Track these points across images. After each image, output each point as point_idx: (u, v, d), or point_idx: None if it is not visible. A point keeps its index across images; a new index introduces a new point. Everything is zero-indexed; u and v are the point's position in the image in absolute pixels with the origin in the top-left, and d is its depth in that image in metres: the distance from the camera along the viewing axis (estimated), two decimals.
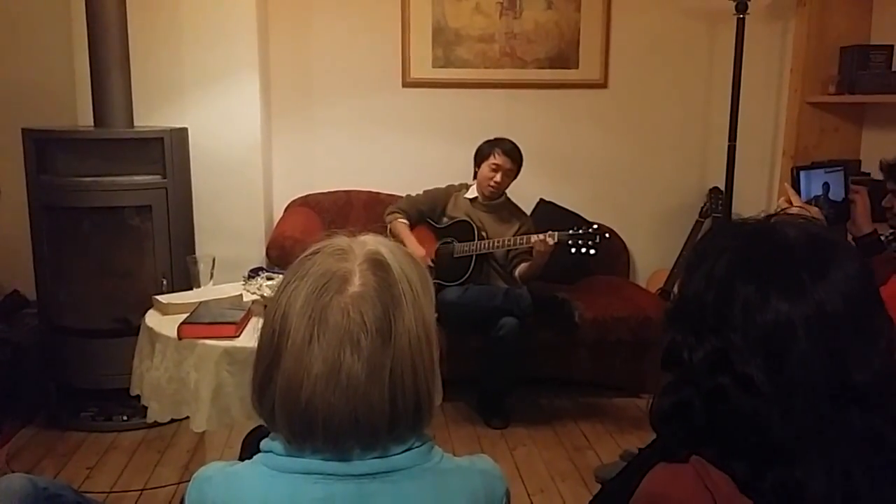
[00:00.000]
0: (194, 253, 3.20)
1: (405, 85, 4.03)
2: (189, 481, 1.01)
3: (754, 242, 0.96)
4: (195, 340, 2.12)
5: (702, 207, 4.07)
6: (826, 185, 2.18)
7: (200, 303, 2.35)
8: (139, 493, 2.69)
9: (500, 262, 3.46)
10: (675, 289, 1.03)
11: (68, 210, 3.12)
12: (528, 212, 3.78)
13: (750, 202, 3.88)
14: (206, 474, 1.00)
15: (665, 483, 0.92)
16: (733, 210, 3.81)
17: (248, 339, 2.15)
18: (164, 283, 3.07)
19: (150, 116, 3.45)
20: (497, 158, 3.37)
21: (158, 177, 3.13)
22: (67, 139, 3.14)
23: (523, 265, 3.37)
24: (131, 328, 2.55)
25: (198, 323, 2.18)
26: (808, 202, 2.08)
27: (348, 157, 4.06)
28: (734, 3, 3.59)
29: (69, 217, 3.16)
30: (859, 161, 3.51)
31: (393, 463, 0.94)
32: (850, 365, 0.88)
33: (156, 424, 2.58)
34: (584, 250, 3.13)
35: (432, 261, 3.42)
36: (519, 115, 4.04)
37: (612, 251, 3.95)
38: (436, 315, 1.02)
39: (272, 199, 3.95)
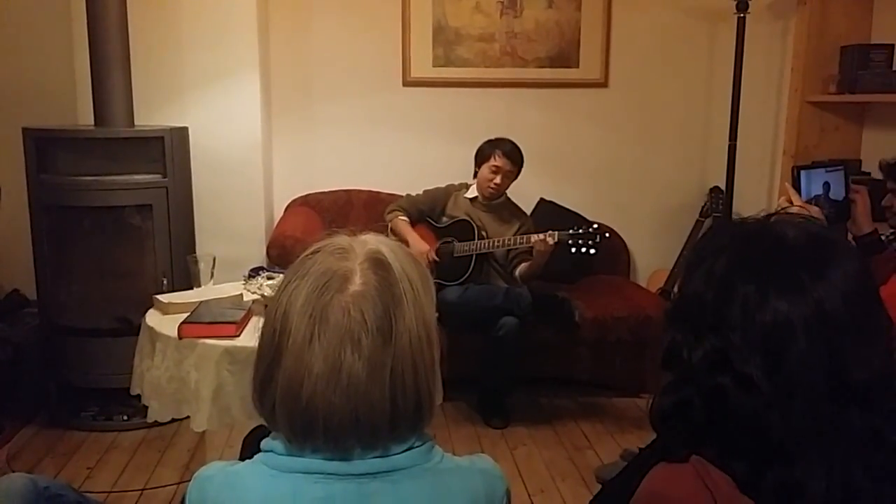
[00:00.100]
0: (195, 252, 3.20)
1: (405, 84, 4.03)
2: (189, 481, 1.01)
3: (754, 242, 0.96)
4: (196, 340, 2.12)
5: (702, 207, 4.07)
6: (826, 185, 2.18)
7: (201, 302, 2.35)
8: (140, 492, 2.69)
9: (501, 261, 3.46)
10: (675, 288, 1.03)
11: (69, 209, 3.12)
12: (529, 211, 3.78)
13: (750, 201, 3.88)
14: (207, 474, 1.00)
15: (665, 483, 0.92)
16: (734, 209, 3.80)
17: (249, 338, 2.15)
18: (165, 282, 3.07)
19: (150, 116, 3.45)
20: (497, 160, 3.37)
21: (159, 176, 3.13)
22: (68, 138, 3.14)
23: (523, 265, 3.37)
24: (132, 327, 2.55)
25: (198, 322, 2.18)
26: (809, 201, 2.08)
27: (349, 157, 4.06)
28: (735, 3, 3.59)
29: (69, 216, 3.16)
30: (860, 160, 3.50)
31: (393, 462, 0.94)
32: (850, 364, 0.88)
33: (156, 424, 2.58)
34: (584, 250, 3.13)
35: (437, 252, 3.41)
36: (519, 114, 4.04)
37: (612, 251, 3.95)
38: (436, 314, 1.02)
39: (272, 199, 3.95)
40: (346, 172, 4.03)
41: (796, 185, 2.10)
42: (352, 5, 3.95)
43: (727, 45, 3.74)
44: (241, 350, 2.08)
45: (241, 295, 2.48)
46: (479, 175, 3.46)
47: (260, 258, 3.58)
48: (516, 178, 3.45)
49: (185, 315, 2.24)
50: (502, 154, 3.37)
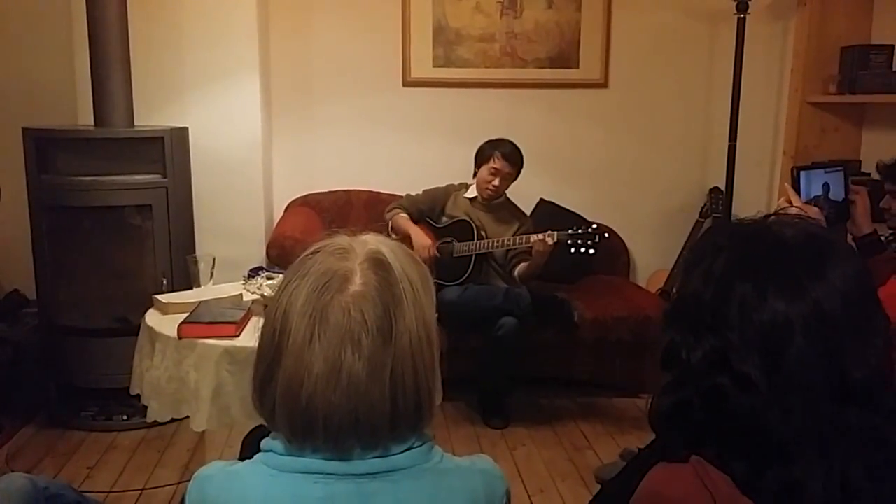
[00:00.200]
0: (194, 252, 3.20)
1: (406, 84, 4.03)
2: (189, 481, 1.01)
3: (752, 242, 0.96)
4: (195, 340, 2.12)
5: (702, 207, 4.07)
6: (826, 186, 2.18)
7: (200, 302, 2.35)
8: (139, 492, 2.69)
9: (500, 261, 3.46)
10: (674, 289, 1.03)
11: (69, 209, 3.12)
12: (529, 211, 3.78)
13: (750, 202, 3.88)
14: (207, 474, 1.00)
15: (665, 483, 0.93)
16: (733, 210, 3.81)
17: (249, 338, 2.15)
18: (165, 282, 3.07)
19: (150, 116, 3.45)
20: (496, 163, 3.37)
21: (159, 176, 3.13)
22: (68, 138, 3.14)
23: (522, 265, 3.37)
24: (131, 327, 2.55)
25: (198, 322, 2.18)
26: (808, 202, 2.08)
27: (348, 157, 4.06)
28: (735, 3, 3.59)
29: (69, 216, 3.16)
30: (859, 161, 3.50)
31: (393, 462, 0.94)
32: (848, 364, 0.88)
33: (156, 424, 2.58)
34: (583, 250, 3.13)
35: (437, 250, 3.41)
36: (519, 114, 4.04)
37: (612, 251, 3.95)
38: (436, 315, 1.02)
39: (272, 199, 3.95)
40: (346, 173, 4.03)
41: (796, 186, 2.10)
42: (352, 5, 3.95)
43: (727, 46, 3.75)
44: (241, 350, 2.08)
45: (241, 295, 2.48)
46: (478, 176, 3.46)
47: (260, 258, 3.58)
48: (515, 179, 3.45)
49: (185, 315, 2.24)
50: (502, 156, 3.37)
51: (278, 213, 3.95)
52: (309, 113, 4.01)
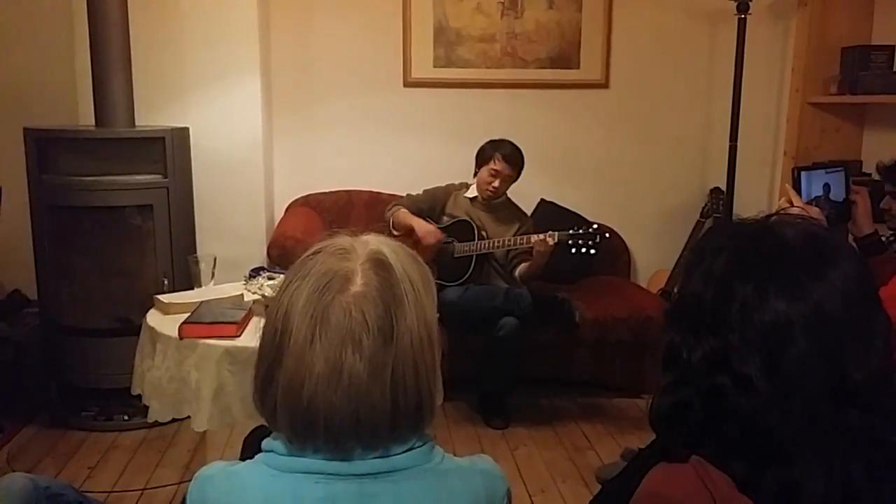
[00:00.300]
0: (195, 252, 3.20)
1: (406, 85, 4.03)
2: (190, 481, 1.01)
3: (753, 242, 0.96)
4: (196, 340, 2.13)
5: (703, 208, 4.07)
6: (827, 186, 2.18)
7: (201, 302, 2.35)
8: (140, 492, 2.70)
9: (501, 261, 3.46)
10: (675, 289, 1.03)
11: (70, 209, 3.12)
12: (529, 212, 3.78)
13: (751, 202, 3.88)
14: (208, 474, 1.00)
15: (665, 483, 0.93)
16: (734, 210, 3.81)
17: (249, 338, 2.15)
18: (166, 282, 3.07)
19: (151, 116, 3.45)
20: (496, 164, 3.37)
21: (160, 176, 3.13)
22: (69, 139, 3.15)
23: (523, 265, 3.37)
24: (132, 328, 2.55)
25: (199, 322, 2.18)
26: (809, 202, 2.08)
27: (349, 157, 4.06)
28: (735, 3, 3.60)
29: (70, 216, 3.16)
30: (860, 161, 3.51)
31: (394, 463, 0.94)
32: (848, 364, 0.88)
33: (157, 424, 2.58)
34: (584, 250, 3.13)
35: (437, 252, 3.41)
36: (520, 115, 4.04)
37: (612, 251, 3.95)
38: (437, 315, 1.02)
39: (273, 199, 3.95)
40: (346, 173, 4.03)
41: (797, 187, 2.10)
42: (352, 6, 3.95)
43: (728, 46, 3.75)
44: (242, 350, 2.08)
45: (242, 295, 2.48)
46: (478, 177, 3.46)
47: (260, 258, 3.59)
48: (515, 181, 3.45)
49: (186, 315, 2.24)
50: (502, 158, 3.36)
51: (279, 214, 3.95)
52: (310, 113, 4.01)
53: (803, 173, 2.14)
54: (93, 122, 3.18)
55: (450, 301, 3.18)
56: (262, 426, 1.79)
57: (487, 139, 3.47)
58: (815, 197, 2.15)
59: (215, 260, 2.60)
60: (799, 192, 2.09)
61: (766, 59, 3.86)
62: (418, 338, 0.94)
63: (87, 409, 3.17)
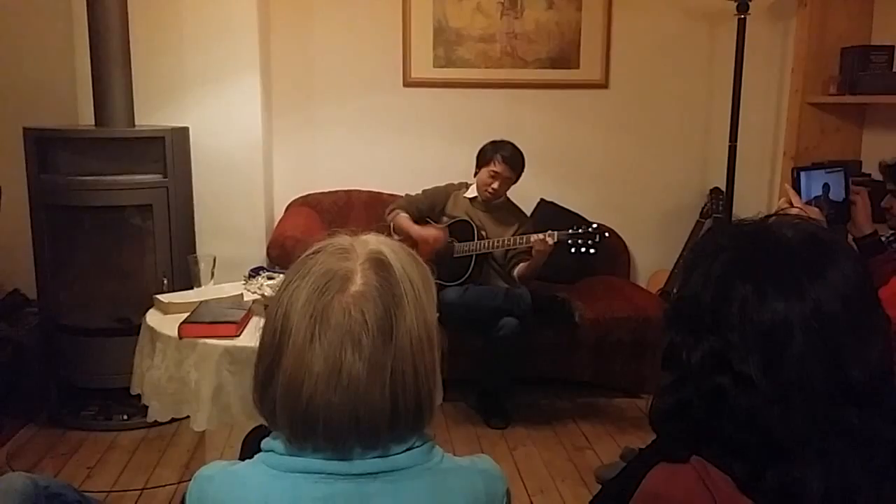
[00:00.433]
0: (195, 252, 3.20)
1: (406, 85, 4.03)
2: (189, 481, 1.01)
3: (751, 242, 0.96)
4: (196, 340, 2.13)
5: (702, 208, 4.07)
6: (826, 186, 2.18)
7: (201, 302, 2.35)
8: (139, 492, 2.70)
9: (500, 261, 3.46)
10: (674, 290, 1.03)
11: (69, 209, 3.12)
12: (529, 212, 3.78)
13: (751, 203, 3.88)
14: (207, 474, 1.00)
15: (665, 483, 0.93)
16: (734, 210, 3.81)
17: (249, 338, 2.15)
18: (165, 282, 3.07)
19: (151, 116, 3.45)
20: (497, 166, 3.37)
21: (159, 176, 3.13)
22: (68, 138, 3.14)
23: (522, 265, 3.37)
24: (132, 327, 2.55)
25: (198, 322, 2.18)
26: (809, 203, 2.08)
27: (349, 157, 4.06)
28: (735, 4, 3.59)
29: (70, 216, 3.16)
30: (860, 162, 3.50)
31: (394, 462, 0.94)
32: (848, 363, 0.88)
33: (156, 424, 2.58)
34: (583, 250, 3.13)
35: (437, 253, 3.41)
36: (520, 115, 4.04)
37: (612, 251, 3.95)
38: (437, 315, 1.02)
39: (273, 199, 3.95)
40: (346, 173, 4.03)
41: (796, 187, 2.10)
42: (352, 5, 3.95)
43: (727, 47, 3.75)
44: (242, 350, 2.08)
45: (242, 295, 2.49)
46: (478, 177, 3.46)
47: (260, 258, 3.59)
48: (515, 183, 3.45)
49: (186, 315, 2.24)
50: (502, 160, 3.36)
51: (279, 213, 3.95)
52: (309, 113, 4.01)
53: (803, 173, 2.14)
54: (92, 121, 3.18)
55: (449, 301, 3.17)
56: (261, 426, 1.79)
57: (487, 139, 3.47)
58: (815, 197, 2.15)
59: (215, 260, 2.60)
60: (798, 192, 2.09)
61: (765, 59, 3.85)
62: (418, 338, 0.94)
63: (86, 409, 3.17)
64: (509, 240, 3.32)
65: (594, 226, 3.16)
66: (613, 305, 3.50)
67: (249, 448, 2.20)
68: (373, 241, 1.00)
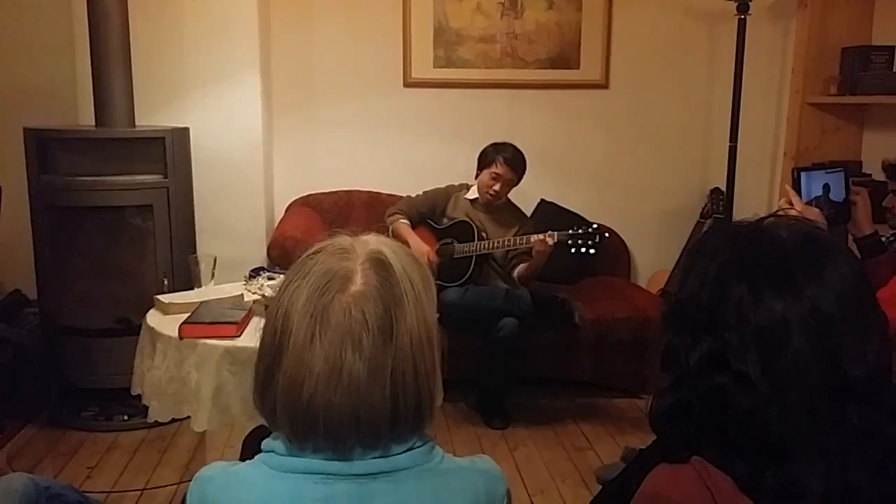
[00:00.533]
0: (195, 253, 3.20)
1: (406, 85, 4.03)
2: (190, 481, 1.01)
3: (748, 243, 0.97)
4: (196, 340, 2.12)
5: (703, 208, 4.07)
6: (826, 186, 2.18)
7: (201, 302, 2.35)
8: (140, 492, 2.70)
9: (500, 262, 3.46)
10: (672, 290, 1.03)
11: (70, 209, 3.12)
12: (529, 212, 3.78)
13: (751, 203, 3.88)
14: (208, 474, 1.00)
15: (665, 483, 0.93)
16: (734, 211, 3.81)
17: (249, 338, 2.15)
18: (166, 282, 3.07)
19: (151, 116, 3.45)
20: (498, 168, 3.37)
21: (160, 176, 3.13)
22: (69, 139, 3.15)
23: (522, 266, 3.37)
24: (132, 328, 2.55)
25: (199, 323, 2.18)
26: (809, 203, 2.08)
27: (349, 158, 4.06)
28: (735, 4, 3.60)
29: (70, 216, 3.16)
30: (860, 162, 3.51)
31: (394, 463, 0.94)
32: (846, 362, 0.88)
33: (157, 424, 2.58)
34: (583, 250, 3.13)
35: (437, 253, 3.41)
36: (520, 115, 4.04)
37: (612, 252, 3.95)
38: (437, 315, 1.02)
39: (273, 199, 3.95)
40: (346, 173, 4.03)
41: (796, 187, 2.10)
42: (353, 6, 3.95)
43: (728, 47, 3.75)
44: (242, 350, 2.08)
45: (242, 295, 2.48)
46: (479, 179, 3.46)
47: (260, 259, 3.59)
48: (516, 185, 3.45)
49: (186, 315, 2.24)
50: (504, 162, 3.36)
51: (279, 214, 3.95)
52: (310, 113, 4.01)
53: (803, 174, 2.13)
54: (93, 122, 3.18)
55: (450, 301, 3.18)
56: (261, 426, 1.79)
57: (487, 139, 3.48)
58: (815, 197, 2.14)
59: (215, 260, 2.60)
60: (799, 192, 2.09)
61: (765, 59, 3.86)
62: (418, 338, 0.94)
63: (86, 409, 3.17)
64: (509, 240, 3.32)
65: (594, 226, 3.16)
66: (614, 306, 3.49)
67: (250, 448, 2.21)
68: (373, 241, 1.00)
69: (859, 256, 2.11)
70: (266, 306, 2.27)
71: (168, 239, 3.15)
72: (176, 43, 3.49)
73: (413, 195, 3.62)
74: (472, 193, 3.51)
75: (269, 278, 2.49)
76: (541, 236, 3.18)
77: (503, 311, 3.19)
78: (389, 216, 3.55)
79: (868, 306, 0.93)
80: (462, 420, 3.33)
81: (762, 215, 1.01)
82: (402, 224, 3.49)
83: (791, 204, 2.02)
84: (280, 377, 0.93)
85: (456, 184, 3.62)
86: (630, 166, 4.17)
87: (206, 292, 2.50)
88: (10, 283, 3.59)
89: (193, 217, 3.34)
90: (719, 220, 3.90)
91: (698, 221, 4.06)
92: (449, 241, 3.45)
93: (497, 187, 3.39)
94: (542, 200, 4.06)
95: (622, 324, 3.42)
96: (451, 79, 4.02)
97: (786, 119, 3.67)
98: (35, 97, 3.55)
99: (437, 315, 1.03)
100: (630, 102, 4.12)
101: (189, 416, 2.14)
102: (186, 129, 3.31)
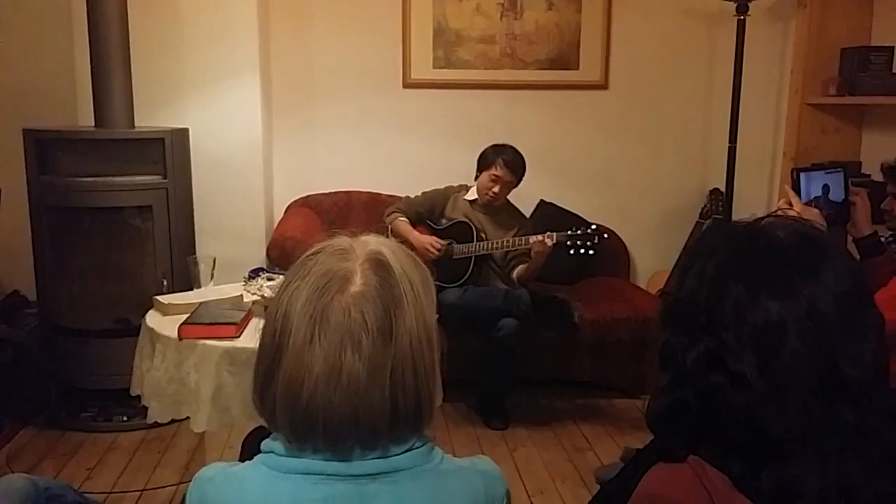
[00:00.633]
0: (195, 253, 3.20)
1: (406, 86, 4.03)
2: (189, 482, 1.01)
3: (745, 243, 0.97)
4: (195, 341, 2.13)
5: (702, 209, 4.07)
6: (826, 187, 2.18)
7: (201, 303, 2.35)
8: (139, 493, 2.70)
9: (499, 263, 3.46)
10: (669, 290, 1.03)
11: (69, 210, 3.13)
12: (529, 213, 3.78)
13: (750, 203, 3.88)
14: (207, 475, 1.00)
15: (663, 483, 0.93)
16: (733, 211, 3.81)
17: (249, 339, 2.15)
18: (165, 283, 3.07)
19: (150, 117, 3.45)
20: (497, 170, 3.37)
21: (159, 177, 3.13)
22: (68, 139, 3.15)
23: (521, 266, 3.38)
24: (132, 328, 2.55)
25: (198, 323, 2.18)
26: (808, 203, 2.08)
27: (349, 158, 4.06)
28: (735, 5, 3.60)
29: (70, 217, 3.16)
30: (859, 163, 3.50)
31: (393, 463, 0.94)
32: (842, 362, 0.88)
33: (156, 425, 2.58)
34: (583, 251, 3.13)
35: (437, 250, 3.40)
36: (519, 116, 4.04)
37: (612, 252, 3.95)
38: (437, 316, 1.02)
39: (272, 200, 3.95)
40: (346, 174, 4.03)
41: (796, 188, 2.10)
42: (352, 7, 3.95)
43: (727, 48, 3.75)
44: (241, 351, 2.08)
45: (241, 296, 2.49)
46: (479, 181, 3.46)
47: (260, 259, 3.59)
48: (515, 187, 3.45)
49: (186, 316, 2.24)
50: (503, 164, 3.36)
51: (278, 214, 3.95)
52: (309, 114, 4.01)
53: (802, 174, 2.14)
54: (92, 122, 3.18)
55: (449, 302, 3.18)
56: (261, 427, 1.79)
57: (487, 140, 3.48)
58: (815, 198, 2.15)
59: (214, 261, 2.60)
60: (798, 193, 2.09)
61: (765, 60, 3.86)
62: (417, 338, 0.95)
63: (86, 410, 3.17)
64: (508, 241, 3.32)
65: (593, 227, 3.16)
66: (613, 306, 3.50)
67: (249, 449, 2.20)
68: (372, 242, 1.00)
69: (859, 257, 2.11)
70: (265, 307, 2.27)
71: (167, 240, 3.15)
72: (175, 43, 3.50)
73: (412, 196, 3.62)
74: (472, 194, 3.51)
75: (269, 279, 2.49)
76: (540, 237, 3.18)
77: (503, 311, 3.19)
78: (388, 215, 3.55)
79: (865, 307, 0.93)
80: (461, 420, 3.33)
81: (760, 215, 1.01)
82: (402, 222, 3.49)
83: (790, 204, 2.02)
84: (279, 378, 0.93)
85: (455, 185, 3.62)
86: (629, 167, 4.17)
87: (206, 293, 2.50)
88: (9, 283, 3.59)
89: (193, 218, 3.34)
90: (718, 220, 3.90)
91: (697, 222, 4.06)
92: (448, 241, 3.45)
93: (496, 189, 3.39)
94: (542, 201, 4.06)
95: (622, 324, 3.42)
96: (451, 79, 4.02)
97: (785, 120, 3.67)
98: (34, 98, 3.55)
99: (437, 316, 1.03)
100: (629, 103, 4.12)
101: (188, 417, 2.14)
102: (186, 130, 3.31)
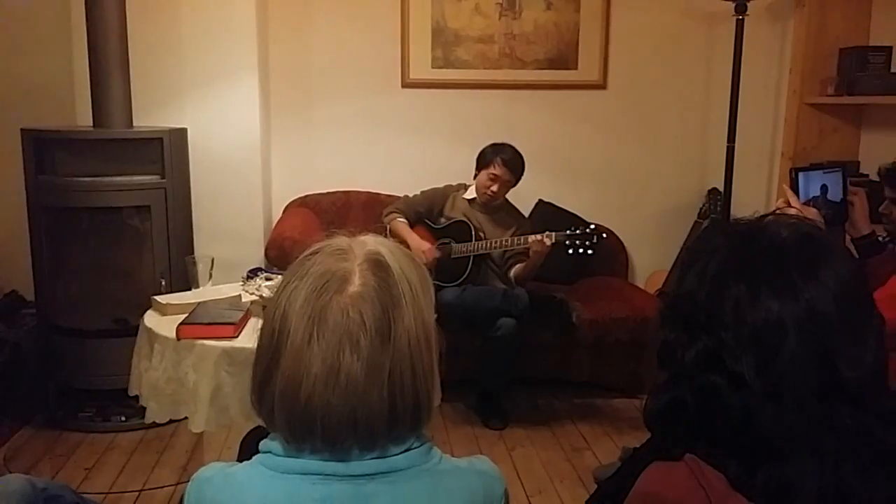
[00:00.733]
0: (193, 253, 3.20)
1: (404, 85, 4.03)
2: (187, 482, 1.01)
3: (746, 242, 0.96)
4: (194, 341, 2.12)
5: (701, 208, 4.07)
6: (824, 187, 2.18)
7: (199, 303, 2.35)
8: (137, 493, 2.69)
9: (497, 262, 3.46)
10: (669, 288, 1.03)
11: (67, 210, 3.12)
12: (527, 212, 3.78)
13: (749, 203, 3.88)
14: (206, 475, 1.00)
15: (659, 482, 0.93)
16: (732, 211, 3.81)
17: (247, 339, 2.15)
18: (163, 283, 3.07)
19: (149, 117, 3.45)
20: (496, 169, 3.37)
21: (157, 177, 3.13)
22: (66, 139, 3.14)
23: (518, 266, 3.38)
24: (130, 328, 2.55)
25: (196, 323, 2.18)
26: (807, 203, 2.08)
27: (347, 158, 4.06)
28: (733, 4, 3.60)
29: (68, 217, 3.16)
30: (858, 162, 3.51)
31: (392, 463, 0.94)
32: (840, 363, 0.88)
33: (154, 425, 2.58)
34: (581, 251, 3.13)
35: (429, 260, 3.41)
36: (518, 115, 4.04)
37: (610, 252, 3.95)
38: (435, 315, 1.02)
39: (271, 200, 3.95)
40: (344, 173, 4.03)
41: (794, 187, 2.10)
42: (351, 6, 3.95)
43: (726, 47, 3.75)
44: (240, 351, 2.08)
45: (240, 296, 2.48)
46: (477, 179, 3.46)
47: (258, 259, 3.59)
48: (514, 186, 3.45)
49: (184, 316, 2.24)
50: (502, 163, 3.36)
51: (277, 214, 3.95)
52: (308, 114, 4.01)
53: (801, 174, 2.14)
54: (90, 122, 3.17)
55: (447, 302, 3.18)
56: (259, 427, 1.79)
57: (485, 140, 3.47)
58: (813, 197, 2.15)
59: (213, 261, 2.60)
60: (796, 192, 2.09)
61: (763, 60, 3.86)
62: (416, 338, 0.94)
63: (84, 410, 3.17)
64: (507, 240, 3.32)
65: (592, 226, 3.16)
66: (611, 306, 3.50)
67: (248, 449, 2.20)
68: (371, 242, 1.00)
69: (857, 256, 2.11)
70: (264, 307, 2.27)
71: (166, 240, 3.15)
72: (174, 43, 3.49)
73: (411, 195, 3.62)
74: (470, 193, 3.51)
75: (267, 279, 2.49)
76: (538, 236, 3.18)
77: (501, 311, 3.19)
78: (387, 215, 3.55)
79: (865, 307, 0.93)
80: (460, 420, 3.33)
81: (761, 214, 1.01)
82: (400, 223, 3.49)
83: (789, 204, 2.02)
84: (278, 378, 0.93)
85: (454, 184, 3.61)
86: (628, 166, 4.17)
87: (204, 293, 2.50)
88: (7, 283, 3.59)
89: (191, 218, 3.34)
90: (717, 220, 3.90)
91: (696, 221, 4.06)
92: (446, 240, 3.45)
93: (495, 188, 3.39)
94: (540, 200, 4.06)
95: (620, 324, 3.42)
96: (450, 79, 4.02)
97: (783, 119, 3.67)
98: (32, 98, 3.55)
99: (435, 316, 1.02)
100: (628, 103, 4.12)
101: (187, 417, 2.14)
102: (184, 130, 3.31)
